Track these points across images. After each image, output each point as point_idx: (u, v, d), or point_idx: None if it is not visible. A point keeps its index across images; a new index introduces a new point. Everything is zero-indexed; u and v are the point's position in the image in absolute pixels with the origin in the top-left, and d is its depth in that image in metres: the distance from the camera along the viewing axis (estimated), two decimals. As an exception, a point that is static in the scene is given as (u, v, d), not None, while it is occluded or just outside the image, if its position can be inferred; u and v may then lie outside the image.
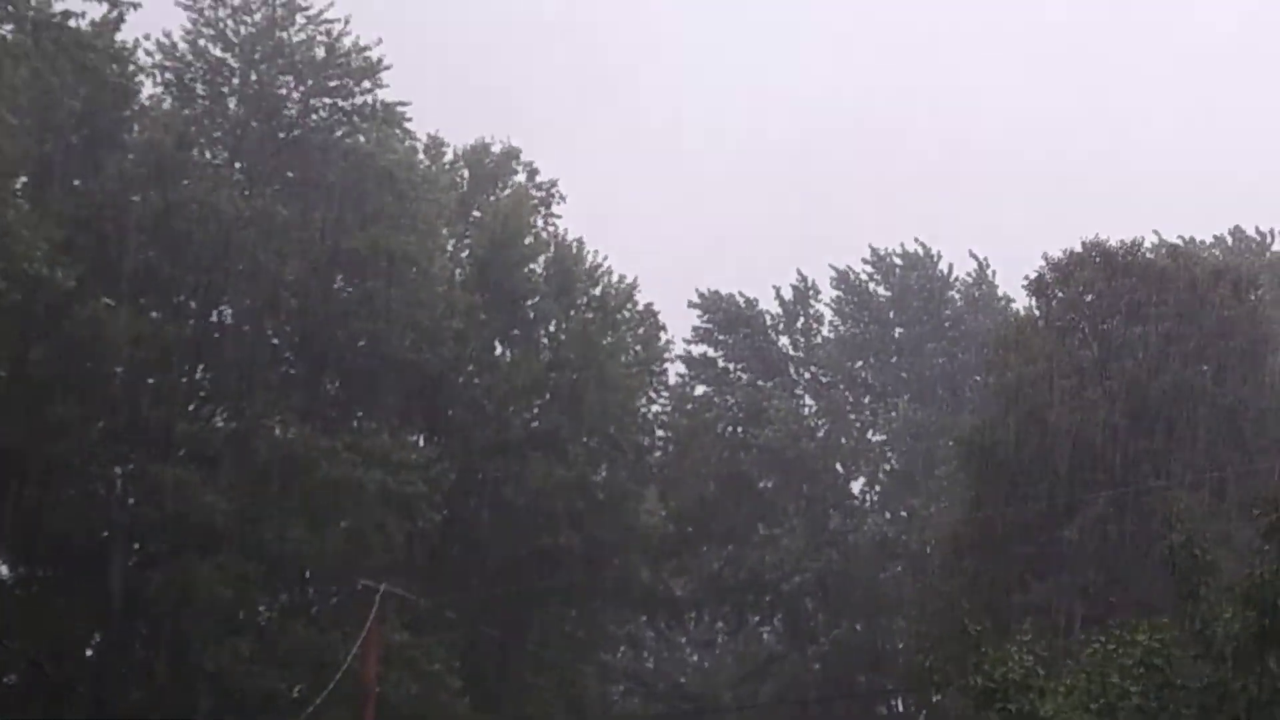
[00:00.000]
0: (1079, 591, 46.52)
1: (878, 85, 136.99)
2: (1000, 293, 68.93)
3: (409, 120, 51.49)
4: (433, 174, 54.82)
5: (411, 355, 49.19)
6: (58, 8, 40.21)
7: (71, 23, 40.89)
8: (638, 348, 58.96)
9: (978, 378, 63.96)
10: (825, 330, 71.36)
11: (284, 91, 49.35)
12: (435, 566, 51.62)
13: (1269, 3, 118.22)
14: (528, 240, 56.08)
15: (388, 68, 49.73)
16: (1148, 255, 53.15)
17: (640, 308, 59.40)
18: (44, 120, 42.01)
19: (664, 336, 61.87)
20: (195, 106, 49.09)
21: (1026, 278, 53.78)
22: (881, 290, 70.98)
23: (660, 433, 62.78)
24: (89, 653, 48.03)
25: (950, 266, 70.50)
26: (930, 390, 68.75)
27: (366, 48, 49.46)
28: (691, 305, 69.98)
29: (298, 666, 45.62)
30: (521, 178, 59.97)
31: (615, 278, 58.20)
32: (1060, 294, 52.35)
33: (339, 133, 49.62)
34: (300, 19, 49.26)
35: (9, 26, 35.61)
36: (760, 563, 62.92)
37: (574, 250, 57.45)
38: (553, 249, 57.04)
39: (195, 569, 43.74)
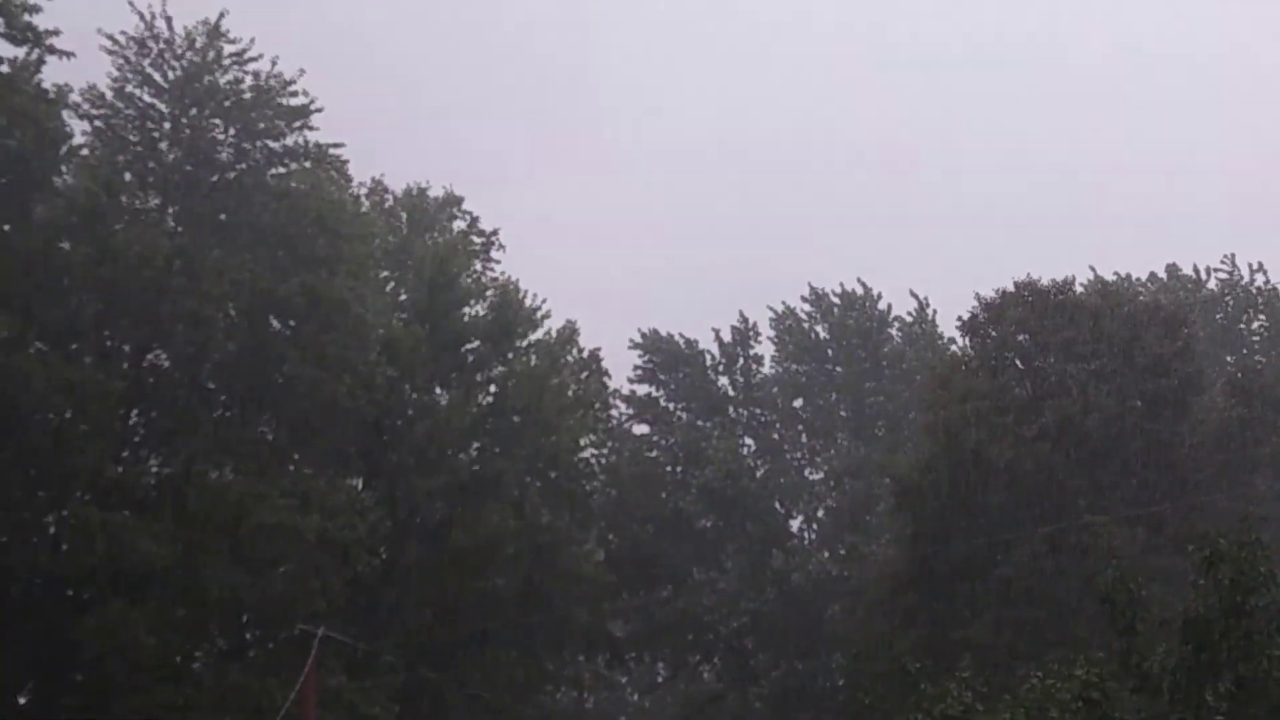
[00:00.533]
0: (1017, 627, 46.72)
1: (824, 122, 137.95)
2: (941, 332, 69.40)
3: (345, 161, 51.58)
4: (369, 217, 54.69)
5: (347, 400, 48.86)
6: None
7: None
8: (579, 391, 59.07)
9: (914, 415, 64.23)
10: (765, 370, 71.60)
11: (215, 134, 49.10)
12: (373, 609, 51.34)
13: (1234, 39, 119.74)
14: (467, 283, 56.07)
15: (319, 110, 49.70)
16: (1080, 293, 53.73)
17: (584, 353, 59.59)
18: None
19: (608, 384, 62.41)
20: (126, 151, 48.77)
21: (960, 317, 54.27)
22: (820, 330, 71.28)
23: (601, 476, 62.82)
24: (20, 700, 47.28)
25: (889, 306, 70.98)
26: (869, 428, 69.02)
27: (292, 81, 49.27)
28: (633, 345, 70.23)
29: (235, 712, 45.02)
30: (462, 224, 60.12)
31: (558, 322, 58.54)
32: (993, 333, 52.79)
33: (271, 173, 49.42)
34: (228, 60, 49.03)
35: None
36: (699, 604, 62.92)
37: (514, 293, 57.48)
38: (491, 293, 57.05)
39: (127, 615, 43.18)
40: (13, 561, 44.73)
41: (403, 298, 56.14)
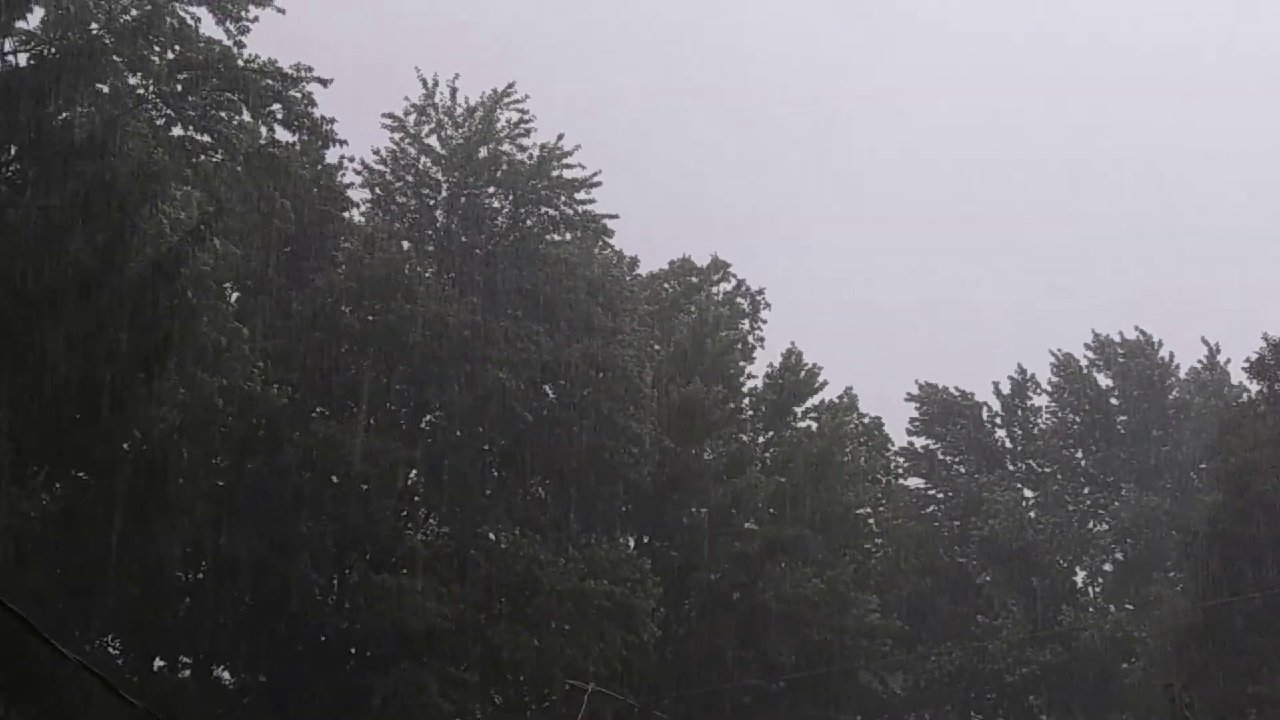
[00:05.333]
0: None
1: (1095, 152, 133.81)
2: (1230, 378, 67.18)
3: (611, 232, 52.08)
4: (640, 282, 55.35)
5: (626, 465, 49.41)
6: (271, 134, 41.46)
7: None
8: (862, 462, 59.05)
9: (1204, 465, 62.22)
10: (1042, 421, 70.29)
11: (492, 203, 50.20)
12: (647, 666, 51.54)
13: None
14: (737, 345, 56.58)
15: (598, 184, 50.12)
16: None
17: (865, 419, 59.62)
18: (256, 240, 43.32)
19: (890, 449, 62.41)
20: (403, 219, 50.23)
21: (1248, 360, 52.43)
22: (1102, 378, 69.77)
23: (879, 533, 62.47)
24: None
25: (1171, 354, 69.20)
26: (1155, 479, 66.99)
27: (570, 153, 49.98)
28: (909, 398, 69.78)
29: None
30: (728, 287, 60.53)
31: (838, 390, 58.82)
32: (1285, 374, 50.91)
33: (547, 240, 50.31)
34: (508, 129, 49.99)
35: (221, 155, 36.96)
36: (980, 657, 61.72)
37: (794, 360, 57.89)
38: (758, 353, 57.68)
39: (417, 675, 44.08)
40: (303, 619, 46.06)
41: (672, 361, 56.53)
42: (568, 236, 50.74)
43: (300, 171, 42.13)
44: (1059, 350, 69.77)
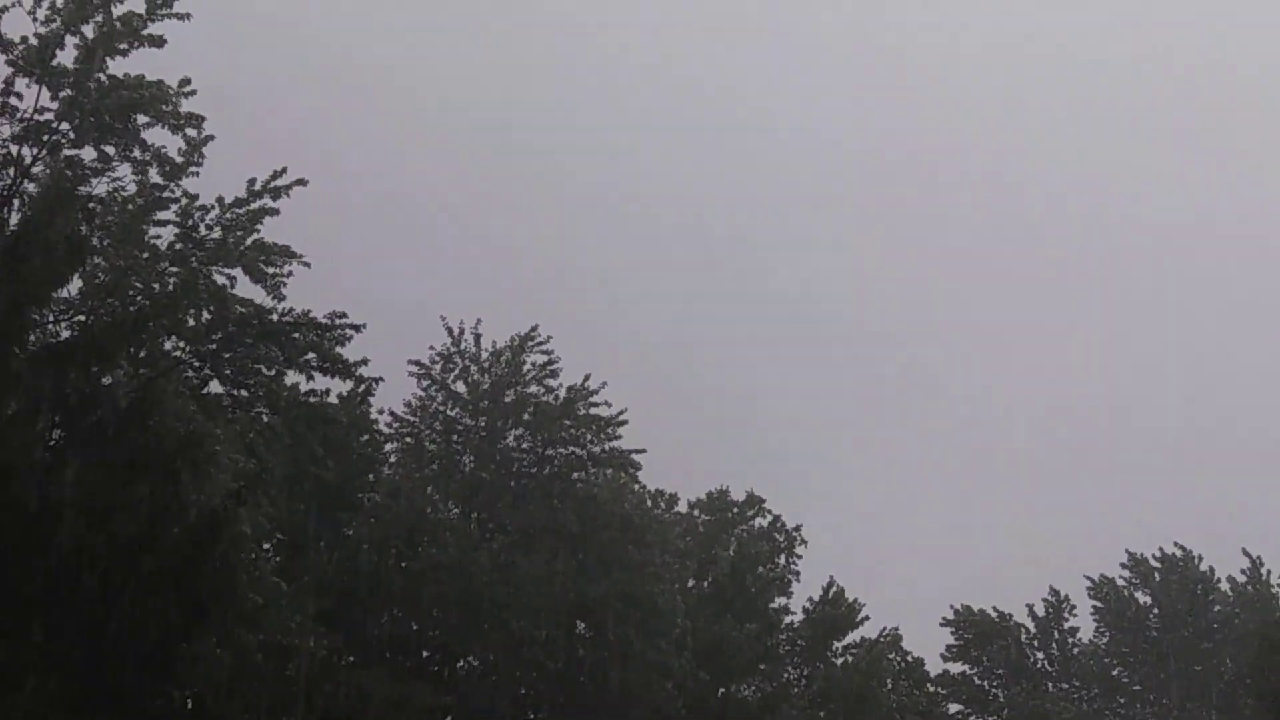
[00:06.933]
0: None
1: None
2: (1276, 590, 66.71)
3: (639, 466, 52.17)
4: (671, 517, 55.48)
5: (663, 700, 48.97)
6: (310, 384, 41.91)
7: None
8: (904, 700, 58.64)
9: (1249, 680, 61.42)
10: (1082, 640, 69.74)
11: (520, 444, 50.52)
12: None
13: None
14: (771, 578, 56.51)
15: (624, 422, 50.46)
16: None
17: (909, 658, 59.46)
18: (294, 492, 43.61)
19: (928, 686, 62.00)
20: (430, 464, 50.52)
21: (1287, 572, 52.15)
22: (1141, 596, 69.32)
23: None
24: None
25: (1212, 569, 68.79)
26: (1201, 695, 66.11)
27: (596, 391, 50.42)
28: (945, 623, 69.16)
29: None
30: (763, 522, 60.60)
31: (881, 627, 58.69)
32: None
33: (574, 477, 50.50)
34: (534, 371, 50.57)
35: (263, 409, 37.32)
36: None
37: (839, 594, 57.84)
38: (794, 590, 57.46)
39: None
40: None
41: (708, 599, 56.36)
42: (595, 474, 50.81)
43: (339, 418, 42.57)
44: (1096, 575, 69.55)
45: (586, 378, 50.65)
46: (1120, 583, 69.43)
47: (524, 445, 50.57)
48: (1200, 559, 68.87)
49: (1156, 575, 69.08)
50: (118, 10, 32.40)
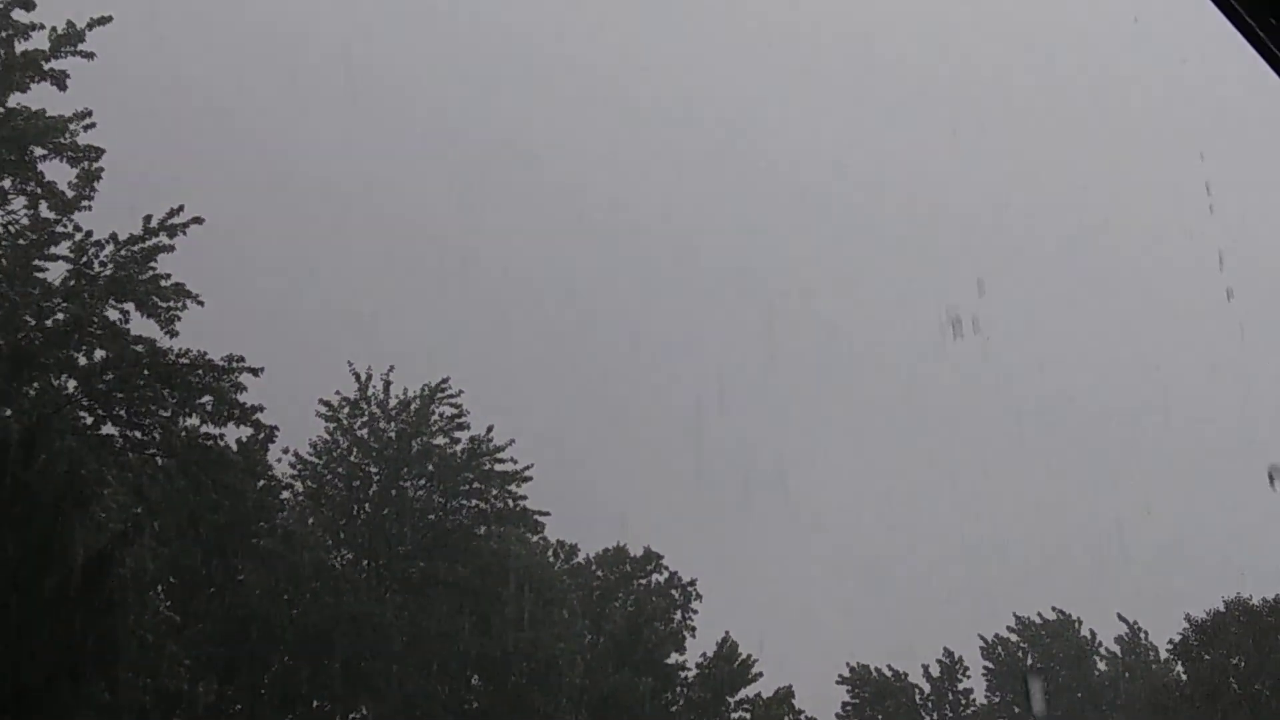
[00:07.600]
0: None
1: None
2: (1156, 654, 67.36)
3: (542, 526, 52.09)
4: (573, 570, 55.52)
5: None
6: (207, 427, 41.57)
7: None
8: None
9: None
10: (974, 701, 70.13)
11: (421, 494, 50.37)
12: None
13: None
14: (665, 634, 56.60)
15: (528, 478, 50.39)
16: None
17: (801, 717, 59.70)
18: (187, 535, 43.17)
19: None
20: (330, 509, 50.22)
21: (1171, 641, 52.81)
22: (1031, 657, 69.88)
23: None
24: None
25: (1092, 632, 69.54)
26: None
27: (503, 448, 50.42)
28: (841, 680, 69.42)
29: None
30: (659, 578, 60.67)
31: (772, 687, 58.75)
32: (1206, 656, 51.18)
33: (476, 532, 50.38)
34: (440, 423, 50.48)
35: (155, 451, 36.95)
36: None
37: (729, 649, 58.01)
38: (688, 646, 57.54)
39: None
40: None
41: (605, 653, 56.33)
42: (497, 529, 50.74)
43: (236, 461, 42.26)
44: (988, 636, 70.06)
45: (490, 429, 50.61)
46: (1012, 639, 69.94)
47: (427, 495, 50.34)
48: (1080, 622, 69.61)
49: (1044, 639, 69.67)
50: (20, 46, 32.21)
